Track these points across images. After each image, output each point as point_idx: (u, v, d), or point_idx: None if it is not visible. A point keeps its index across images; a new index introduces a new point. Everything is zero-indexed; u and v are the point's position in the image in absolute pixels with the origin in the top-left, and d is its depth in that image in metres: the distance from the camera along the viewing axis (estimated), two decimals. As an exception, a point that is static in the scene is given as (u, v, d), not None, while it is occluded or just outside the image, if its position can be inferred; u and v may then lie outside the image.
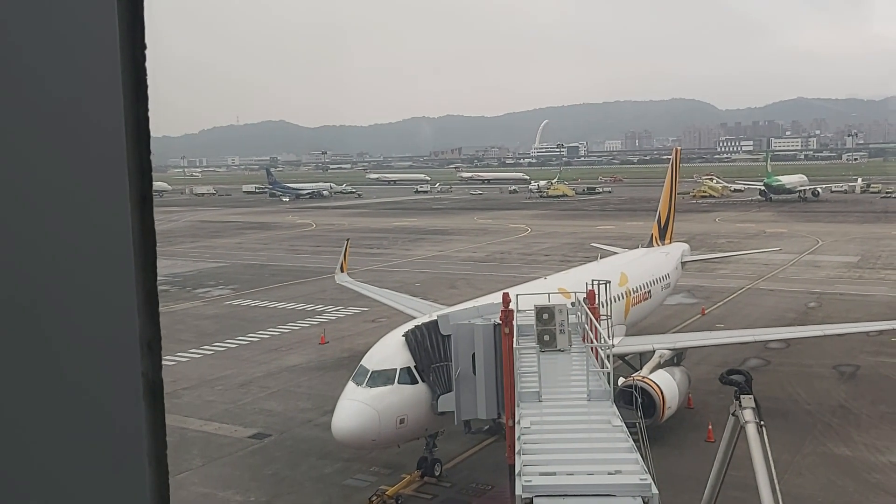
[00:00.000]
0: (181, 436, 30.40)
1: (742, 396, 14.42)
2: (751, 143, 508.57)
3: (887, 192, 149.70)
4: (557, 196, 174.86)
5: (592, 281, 25.42)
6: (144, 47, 1.54)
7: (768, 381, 34.09)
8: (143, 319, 1.55)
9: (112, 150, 1.49)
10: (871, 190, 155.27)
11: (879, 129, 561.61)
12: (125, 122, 1.50)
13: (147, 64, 1.54)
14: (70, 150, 1.46)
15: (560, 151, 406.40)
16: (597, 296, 23.94)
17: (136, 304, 1.53)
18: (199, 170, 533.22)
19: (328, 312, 52.29)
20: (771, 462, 13.56)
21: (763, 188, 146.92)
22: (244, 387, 36.64)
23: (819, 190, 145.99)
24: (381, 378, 22.34)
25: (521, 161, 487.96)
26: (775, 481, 13.46)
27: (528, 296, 24.27)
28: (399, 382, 22.35)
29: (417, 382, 22.59)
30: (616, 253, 49.91)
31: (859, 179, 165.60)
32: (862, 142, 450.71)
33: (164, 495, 1.65)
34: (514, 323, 21.40)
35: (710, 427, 27.60)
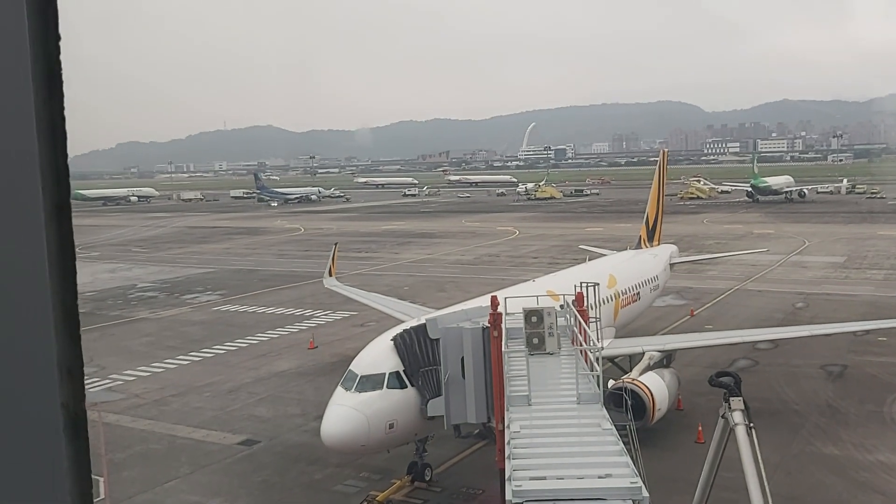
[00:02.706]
0: (169, 443, 30.23)
1: (731, 399, 14.41)
2: (737, 144, 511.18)
3: (872, 193, 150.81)
4: (545, 198, 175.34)
5: (581, 283, 25.40)
6: (58, 49, 1.42)
7: (757, 382, 34.21)
8: (61, 343, 1.41)
9: (23, 158, 1.37)
10: (857, 191, 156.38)
11: (864, 130, 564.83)
12: (37, 127, 1.38)
13: (63, 68, 1.41)
14: None
15: (547, 154, 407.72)
16: (585, 298, 23.91)
17: (53, 326, 1.39)
18: (186, 175, 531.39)
19: (317, 317, 52.11)
20: (761, 464, 13.56)
21: (750, 189, 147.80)
22: (232, 393, 36.43)
23: (805, 191, 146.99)
24: (370, 383, 22.23)
25: (509, 164, 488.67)
26: (765, 484, 13.45)
27: (516, 298, 24.23)
28: (388, 387, 22.24)
29: (406, 387, 22.48)
30: (604, 255, 49.97)
31: (845, 180, 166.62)
32: (847, 143, 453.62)
33: None
34: (503, 326, 21.32)
35: (699, 428, 27.65)
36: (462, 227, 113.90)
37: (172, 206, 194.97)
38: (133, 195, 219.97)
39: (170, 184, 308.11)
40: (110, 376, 39.26)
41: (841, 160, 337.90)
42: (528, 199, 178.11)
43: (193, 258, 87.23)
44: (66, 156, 1.44)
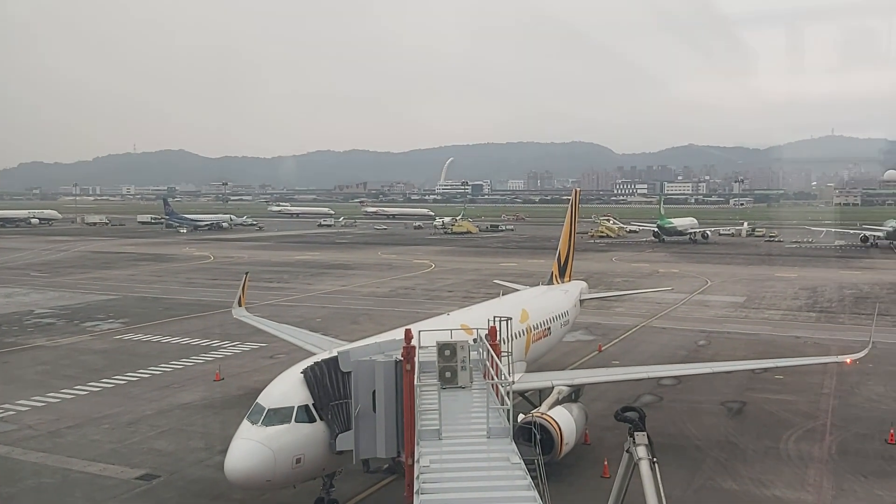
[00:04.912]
0: (63, 477, 28.77)
1: (636, 433, 14.70)
2: (645, 186, 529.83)
3: (771, 236, 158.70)
4: (462, 233, 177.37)
5: (494, 317, 25.60)
6: None
7: (661, 417, 35.09)
8: None
9: None
10: (756, 234, 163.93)
11: (764, 176, 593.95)
12: None
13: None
14: None
15: (465, 189, 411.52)
16: (498, 332, 24.07)
17: None
18: (92, 198, 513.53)
19: (224, 348, 50.79)
20: (663, 498, 13.85)
21: (656, 230, 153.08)
22: (132, 425, 34.99)
23: (708, 232, 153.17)
24: (278, 416, 21.71)
25: (427, 197, 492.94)
26: (667, 517, 13.74)
27: (430, 332, 24.19)
28: (296, 421, 21.76)
29: (315, 421, 22.04)
30: (518, 290, 50.61)
31: (745, 223, 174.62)
32: (748, 188, 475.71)
33: None
34: (416, 359, 21.23)
35: (605, 463, 28.09)
36: (378, 259, 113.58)
37: (76, 229, 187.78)
38: (34, 217, 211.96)
39: (74, 207, 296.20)
40: (1, 406, 37.17)
41: (742, 204, 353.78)
42: (445, 232, 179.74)
43: (96, 284, 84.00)
44: None
